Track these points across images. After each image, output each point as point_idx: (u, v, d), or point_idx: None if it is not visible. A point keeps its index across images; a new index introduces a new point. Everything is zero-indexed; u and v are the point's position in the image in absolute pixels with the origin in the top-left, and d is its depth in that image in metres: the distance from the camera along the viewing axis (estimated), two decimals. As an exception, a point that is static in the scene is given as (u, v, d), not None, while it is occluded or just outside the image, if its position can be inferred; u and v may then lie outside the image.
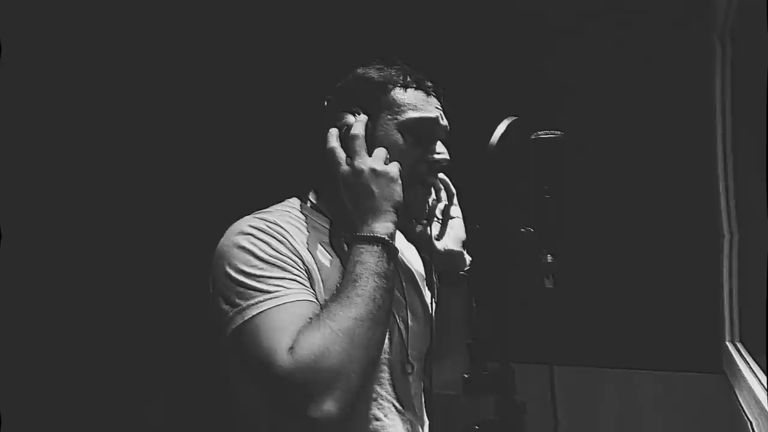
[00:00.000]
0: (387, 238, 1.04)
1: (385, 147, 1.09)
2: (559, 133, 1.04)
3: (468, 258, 1.22)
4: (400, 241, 1.29)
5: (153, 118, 2.64)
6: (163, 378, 2.64)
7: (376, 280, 1.00)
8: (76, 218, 2.50)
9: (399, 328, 1.15)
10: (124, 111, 2.61)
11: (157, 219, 2.61)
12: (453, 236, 1.19)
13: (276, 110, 2.56)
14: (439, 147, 1.14)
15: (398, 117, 1.11)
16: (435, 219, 1.21)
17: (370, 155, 1.08)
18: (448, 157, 1.15)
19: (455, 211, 1.22)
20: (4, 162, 2.23)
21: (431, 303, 1.24)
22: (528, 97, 2.29)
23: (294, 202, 1.17)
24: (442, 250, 1.18)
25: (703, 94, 2.23)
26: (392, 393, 1.12)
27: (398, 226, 1.08)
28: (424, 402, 1.22)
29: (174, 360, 2.60)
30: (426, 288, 1.27)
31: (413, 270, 1.27)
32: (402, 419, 1.13)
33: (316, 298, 1.03)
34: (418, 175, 1.13)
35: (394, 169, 1.07)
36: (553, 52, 2.42)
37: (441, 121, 1.14)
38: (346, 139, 1.09)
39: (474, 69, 2.44)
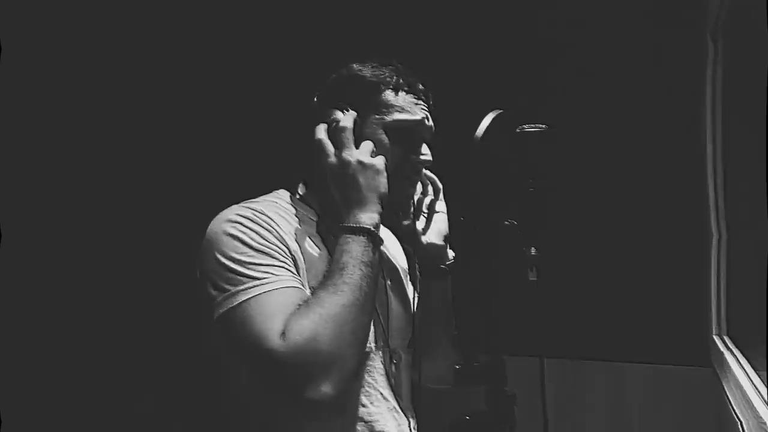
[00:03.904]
0: (372, 228, 1.07)
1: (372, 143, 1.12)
2: (544, 126, 1.06)
3: (451, 252, 1.25)
4: (385, 235, 1.33)
5: (148, 113, 2.65)
6: (155, 376, 2.66)
7: (362, 268, 1.03)
8: (69, 217, 2.52)
9: (380, 320, 1.18)
10: (120, 108, 2.62)
11: (150, 215, 2.62)
12: (436, 230, 1.23)
13: (267, 105, 2.57)
14: (423, 148, 1.17)
15: (385, 117, 1.13)
16: (422, 213, 1.24)
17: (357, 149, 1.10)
18: (431, 158, 1.18)
19: (440, 206, 1.25)
20: (4, 162, 2.25)
21: (413, 296, 1.27)
22: (515, 91, 2.31)
23: (282, 193, 1.20)
24: (425, 243, 1.22)
25: (694, 91, 2.24)
26: (378, 382, 1.15)
27: (384, 216, 1.11)
28: (412, 393, 1.24)
29: (168, 358, 2.62)
30: (408, 282, 1.30)
31: (396, 264, 1.29)
32: (388, 407, 1.16)
33: (302, 285, 1.06)
34: (401, 174, 1.15)
35: (380, 161, 1.10)
36: (542, 46, 2.43)
37: (426, 123, 1.16)
38: (334, 133, 1.11)
39: (460, 62, 2.46)
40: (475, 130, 1.05)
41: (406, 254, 1.33)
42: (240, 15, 2.68)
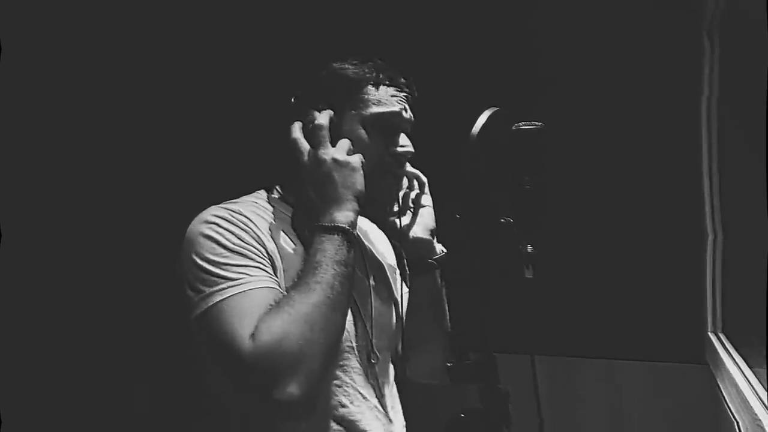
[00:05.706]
0: (347, 227, 1.06)
1: (349, 141, 1.12)
2: (539, 124, 1.07)
3: (439, 246, 1.25)
4: (372, 232, 1.32)
5: (140, 115, 2.63)
6: (156, 376, 2.66)
7: (335, 267, 1.02)
8: (68, 216, 2.52)
9: (363, 318, 1.17)
10: (115, 110, 2.61)
11: (147, 214, 2.61)
12: (422, 224, 1.23)
13: (247, 106, 2.55)
14: (403, 140, 1.17)
15: (363, 112, 1.13)
16: (407, 208, 1.24)
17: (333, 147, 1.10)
18: (411, 149, 1.17)
19: (426, 200, 1.25)
20: (4, 162, 2.25)
21: (401, 294, 1.27)
22: (511, 89, 2.31)
23: (262, 193, 1.19)
24: (412, 238, 1.21)
25: (690, 90, 2.25)
26: (358, 381, 1.14)
27: (361, 214, 1.10)
28: (396, 391, 1.24)
29: (168, 357, 2.62)
30: (396, 279, 1.29)
31: (382, 261, 1.28)
32: (369, 407, 1.14)
33: (279, 286, 1.05)
34: (384, 168, 1.15)
35: (356, 159, 1.09)
36: (538, 43, 2.43)
37: (404, 114, 1.15)
38: (310, 132, 1.11)
39: (456, 60, 2.45)
40: (471, 128, 1.05)
41: (395, 251, 1.32)
42: (224, 17, 2.66)
